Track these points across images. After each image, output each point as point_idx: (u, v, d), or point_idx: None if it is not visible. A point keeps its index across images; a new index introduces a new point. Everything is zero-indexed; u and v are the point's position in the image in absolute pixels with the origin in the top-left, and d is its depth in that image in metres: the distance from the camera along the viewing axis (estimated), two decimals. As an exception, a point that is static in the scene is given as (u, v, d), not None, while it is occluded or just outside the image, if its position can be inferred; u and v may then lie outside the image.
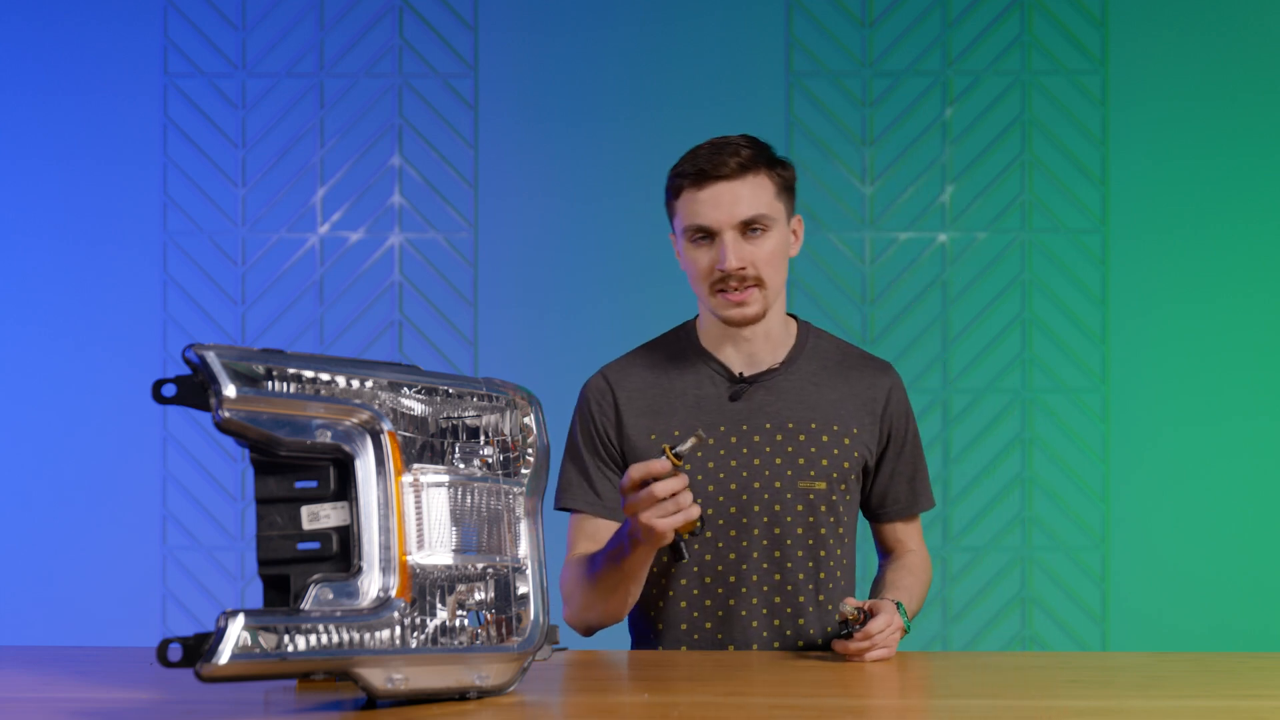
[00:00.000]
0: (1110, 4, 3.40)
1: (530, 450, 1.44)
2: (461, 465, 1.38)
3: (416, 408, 1.35)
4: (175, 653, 1.16)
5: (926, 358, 3.40)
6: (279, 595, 1.28)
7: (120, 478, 3.44)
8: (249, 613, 1.19)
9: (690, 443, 1.64)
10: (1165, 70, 3.39)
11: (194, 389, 1.21)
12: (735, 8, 3.44)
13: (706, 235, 1.90)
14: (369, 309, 3.46)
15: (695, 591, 1.95)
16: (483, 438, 1.40)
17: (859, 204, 3.41)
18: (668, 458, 1.64)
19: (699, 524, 1.70)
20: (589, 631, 1.97)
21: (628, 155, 3.43)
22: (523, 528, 1.42)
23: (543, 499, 1.47)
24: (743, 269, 1.88)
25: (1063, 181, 3.39)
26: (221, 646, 1.16)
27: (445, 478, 1.36)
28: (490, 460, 1.41)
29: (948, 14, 3.43)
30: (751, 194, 1.89)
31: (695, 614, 1.95)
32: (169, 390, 1.21)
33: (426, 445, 1.35)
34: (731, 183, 1.88)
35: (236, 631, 1.17)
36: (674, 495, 1.64)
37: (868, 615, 1.74)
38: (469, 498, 1.38)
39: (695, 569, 1.95)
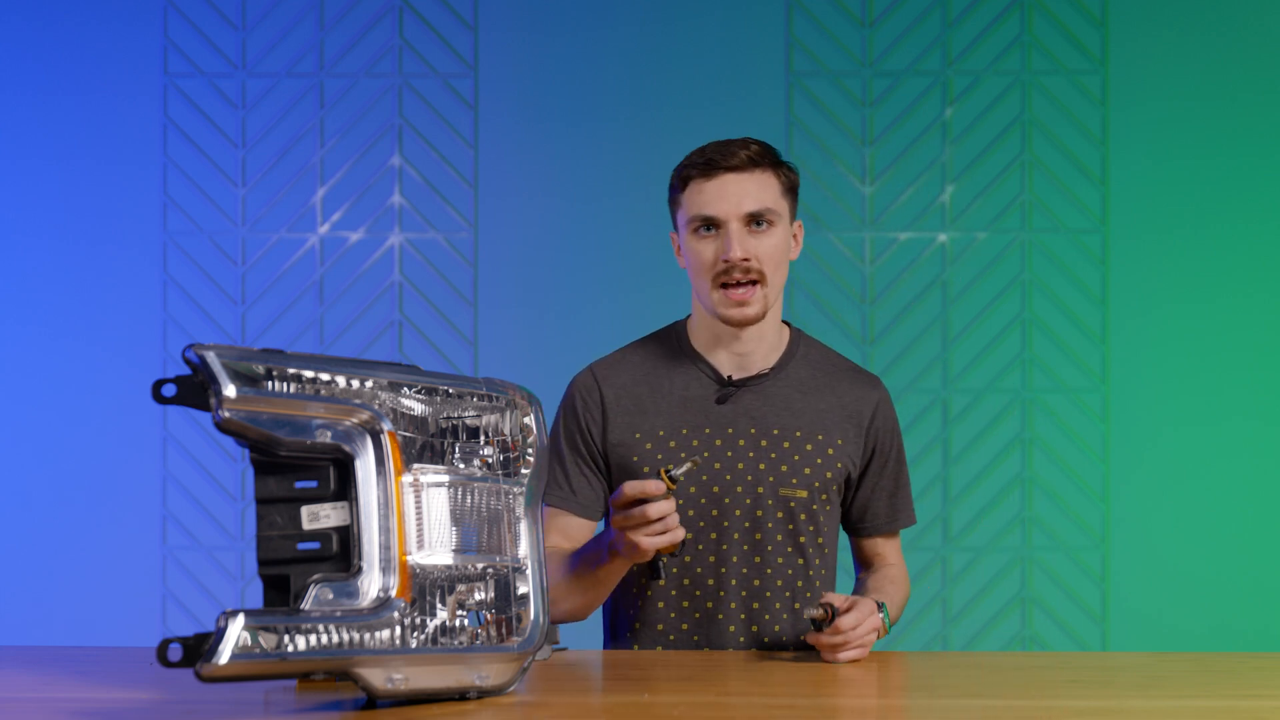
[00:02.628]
0: (1110, 4, 3.40)
1: (530, 450, 1.44)
2: (461, 465, 1.38)
3: (416, 408, 1.35)
4: (175, 653, 1.16)
5: (926, 358, 3.40)
6: (279, 595, 1.28)
7: (120, 478, 3.44)
8: (249, 613, 1.19)
9: (686, 467, 1.68)
10: (1165, 70, 3.39)
11: (194, 389, 1.21)
12: (735, 8, 3.44)
13: (711, 226, 1.90)
14: (369, 309, 3.46)
15: (673, 592, 1.95)
16: (483, 438, 1.40)
17: (859, 204, 3.41)
18: (663, 480, 1.67)
19: (680, 546, 1.72)
20: (553, 622, 1.98)
21: (628, 155, 3.43)
22: (523, 528, 1.42)
23: (543, 499, 1.47)
24: (747, 260, 1.88)
25: (1063, 181, 3.39)
26: (221, 646, 1.16)
27: (445, 478, 1.36)
28: (490, 460, 1.41)
29: (948, 14, 3.43)
30: (758, 188, 1.89)
31: (672, 614, 1.95)
32: (169, 390, 1.21)
33: (426, 445, 1.35)
34: (739, 174, 1.89)
35: (236, 631, 1.17)
36: (664, 518, 1.67)
37: (835, 613, 1.73)
38: (469, 498, 1.38)
39: (674, 570, 1.95)
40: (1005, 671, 1.70)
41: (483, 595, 1.37)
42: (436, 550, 1.34)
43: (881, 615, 1.80)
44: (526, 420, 1.44)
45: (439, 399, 1.37)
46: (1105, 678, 1.58)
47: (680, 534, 1.69)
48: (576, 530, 1.97)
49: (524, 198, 3.45)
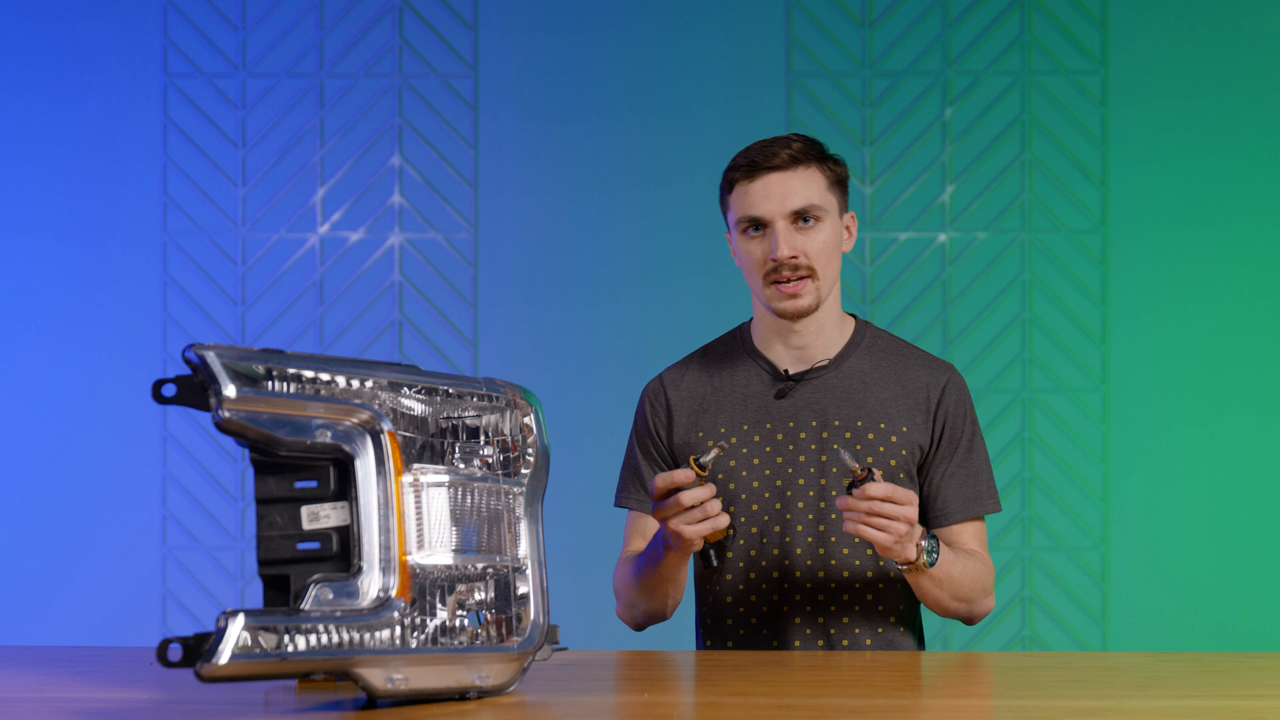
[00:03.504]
0: (1110, 4, 3.40)
1: (530, 450, 1.44)
2: (461, 465, 1.38)
3: (416, 408, 1.35)
4: (175, 653, 1.16)
5: (926, 358, 3.40)
6: (279, 595, 1.28)
7: (120, 478, 3.44)
8: (249, 613, 1.19)
9: (713, 453, 1.72)
10: (1165, 70, 3.39)
11: (194, 389, 1.21)
12: (735, 8, 3.44)
13: (759, 226, 1.92)
14: (369, 309, 3.46)
15: (741, 587, 1.97)
16: (483, 438, 1.40)
17: (859, 204, 3.41)
18: (691, 468, 1.71)
19: (729, 532, 1.74)
20: (639, 627, 2.05)
21: (628, 155, 3.43)
22: (523, 528, 1.42)
23: (543, 499, 1.47)
24: (795, 258, 1.90)
25: (1063, 181, 3.40)
26: (221, 646, 1.16)
27: (445, 478, 1.36)
28: (490, 460, 1.41)
29: (948, 14, 3.43)
30: (803, 185, 1.91)
31: (741, 609, 1.97)
32: (169, 390, 1.21)
33: (426, 445, 1.35)
34: (783, 173, 1.90)
35: (236, 631, 1.17)
36: (701, 504, 1.72)
37: (871, 477, 1.71)
38: (469, 498, 1.38)
39: (741, 565, 1.96)
40: (1005, 671, 1.70)
41: (483, 595, 1.37)
42: (436, 550, 1.34)
43: (925, 539, 1.78)
44: (526, 420, 1.44)
45: (439, 399, 1.37)
46: (1105, 678, 1.58)
47: (723, 520, 1.74)
48: (653, 532, 2.00)
49: (524, 198, 3.45)
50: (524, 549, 1.42)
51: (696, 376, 2.04)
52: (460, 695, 1.35)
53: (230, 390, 1.21)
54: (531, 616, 1.41)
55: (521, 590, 1.41)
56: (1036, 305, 3.39)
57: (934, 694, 1.54)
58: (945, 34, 3.43)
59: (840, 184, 1.96)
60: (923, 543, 1.79)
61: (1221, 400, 3.35)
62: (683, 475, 1.71)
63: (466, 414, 1.39)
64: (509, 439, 1.42)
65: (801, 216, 1.91)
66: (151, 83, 3.48)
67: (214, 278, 3.47)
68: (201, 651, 1.16)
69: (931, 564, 1.81)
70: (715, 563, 1.87)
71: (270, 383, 1.24)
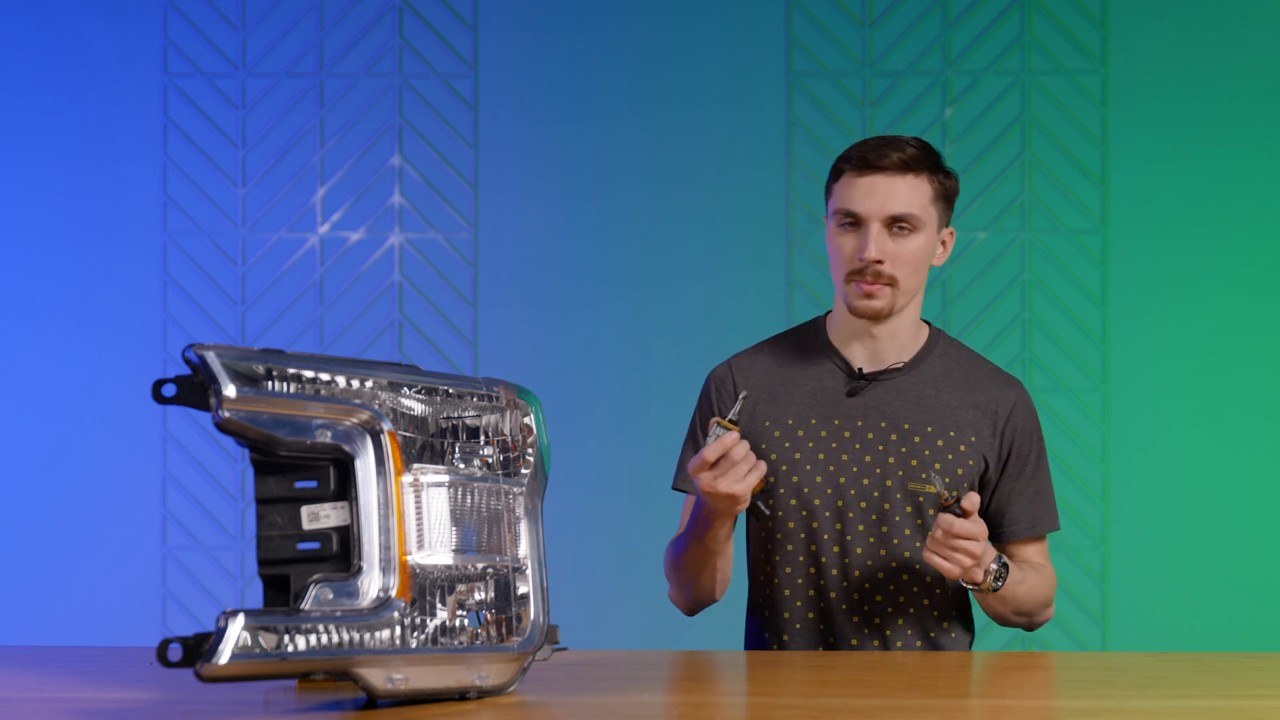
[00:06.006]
0: (1110, 4, 3.40)
1: (530, 450, 1.44)
2: (461, 465, 1.38)
3: (416, 408, 1.35)
4: (175, 653, 1.16)
5: (926, 358, 3.40)
6: (279, 595, 1.28)
7: (120, 478, 3.44)
8: (249, 613, 1.19)
9: (737, 406, 1.78)
10: (1165, 70, 3.39)
11: (194, 389, 1.21)
12: (735, 8, 3.44)
13: (855, 222, 1.91)
14: (369, 309, 3.46)
15: (799, 580, 1.97)
16: (483, 438, 1.40)
17: (859, 204, 3.41)
18: (725, 427, 1.75)
19: (770, 480, 1.86)
20: (691, 611, 2.05)
21: (628, 155, 3.43)
22: (523, 528, 1.42)
23: (542, 499, 1.47)
24: (880, 262, 1.89)
25: (1063, 181, 3.39)
26: (221, 646, 1.16)
27: (445, 478, 1.36)
28: (490, 460, 1.41)
29: (948, 14, 3.43)
30: (907, 192, 1.90)
31: (799, 603, 1.97)
32: (169, 390, 1.21)
33: (426, 445, 1.35)
34: (890, 176, 1.90)
35: (236, 631, 1.17)
36: (745, 458, 1.75)
37: (957, 509, 1.75)
38: (469, 498, 1.38)
39: (801, 559, 1.96)
40: (1005, 671, 1.70)
41: (483, 595, 1.37)
42: (436, 550, 1.34)
43: (995, 564, 1.81)
44: (526, 420, 1.44)
45: (439, 399, 1.37)
46: (1105, 678, 1.58)
47: (763, 467, 1.77)
48: None
49: (524, 198, 3.45)
50: (524, 549, 1.42)
51: (766, 365, 2.03)
52: (460, 695, 1.35)
53: (230, 390, 1.21)
54: (531, 616, 1.41)
55: (521, 590, 1.41)
56: (1036, 305, 3.39)
57: (934, 694, 1.54)
58: (945, 34, 3.43)
59: (947, 199, 1.96)
60: (992, 566, 1.81)
61: (1221, 400, 3.35)
62: (731, 439, 1.73)
63: (466, 414, 1.39)
64: (509, 439, 1.42)
65: (898, 223, 1.90)
66: (151, 83, 3.48)
67: (214, 278, 3.47)
68: (201, 651, 1.16)
69: (996, 589, 1.84)
70: (767, 511, 1.88)
71: (270, 383, 1.24)
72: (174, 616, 3.43)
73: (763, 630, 2.01)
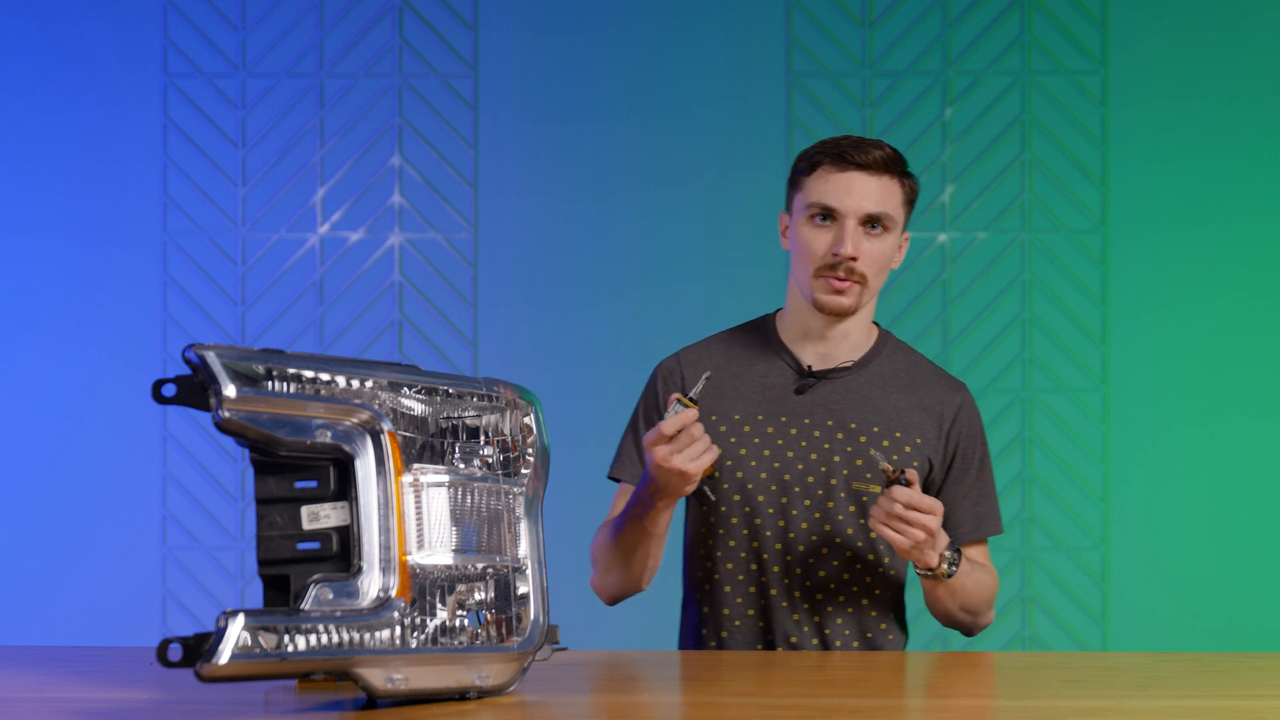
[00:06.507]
0: (1110, 4, 3.40)
1: (530, 450, 1.44)
2: (461, 465, 1.38)
3: (416, 408, 1.35)
4: (175, 653, 1.16)
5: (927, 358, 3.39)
6: (279, 595, 1.28)
7: (120, 478, 3.44)
8: (249, 613, 1.19)
9: (699, 386, 1.78)
10: (1165, 70, 3.39)
11: (194, 389, 1.21)
12: (735, 8, 3.44)
13: (829, 217, 1.91)
14: (369, 309, 3.46)
15: (740, 576, 1.97)
16: (483, 438, 1.40)
17: (859, 204, 3.41)
18: (685, 404, 1.75)
19: (715, 473, 1.87)
20: (612, 600, 2.04)
21: (628, 155, 3.43)
22: (523, 528, 1.42)
23: (543, 499, 1.47)
24: (854, 260, 1.89)
25: (1063, 181, 3.39)
26: (221, 646, 1.16)
27: (445, 478, 1.36)
28: (490, 460, 1.41)
29: (948, 14, 3.43)
30: (884, 191, 1.91)
31: (739, 599, 1.97)
32: (169, 390, 1.21)
33: (426, 445, 1.35)
34: (869, 175, 1.90)
35: (236, 631, 1.17)
36: (702, 437, 1.76)
37: (902, 480, 1.75)
38: (469, 498, 1.38)
39: (742, 555, 1.96)
40: (1005, 671, 1.70)
41: (483, 595, 1.37)
42: (436, 550, 1.34)
43: (950, 549, 1.81)
44: (526, 420, 1.44)
45: (439, 399, 1.37)
46: (1105, 678, 1.58)
47: (716, 450, 1.78)
48: None
49: (524, 198, 3.45)
50: (524, 549, 1.42)
51: (716, 359, 2.03)
52: (460, 695, 1.35)
53: (230, 390, 1.21)
54: (531, 616, 1.41)
55: (521, 590, 1.41)
56: (1036, 305, 3.39)
57: (934, 694, 1.54)
58: (945, 34, 3.43)
59: (911, 203, 1.96)
60: (946, 552, 1.81)
61: (1221, 400, 3.35)
62: (689, 415, 1.74)
63: (466, 414, 1.39)
64: (509, 439, 1.42)
65: (873, 221, 1.90)
66: (151, 83, 3.48)
67: (214, 278, 3.46)
68: (201, 651, 1.16)
69: (950, 575, 1.83)
70: (714, 495, 1.90)
71: (270, 383, 1.24)
72: (174, 616, 3.43)
73: (701, 626, 2.00)
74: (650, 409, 2.04)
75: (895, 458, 1.95)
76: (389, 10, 3.47)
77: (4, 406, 3.46)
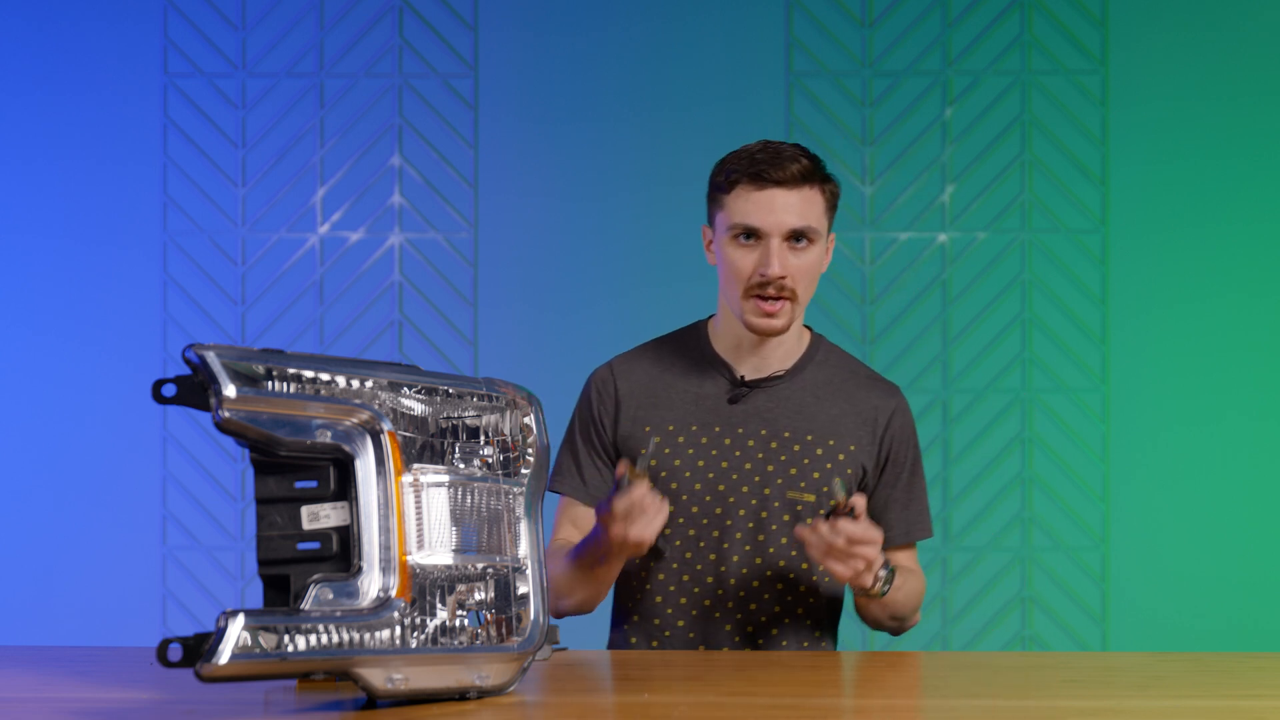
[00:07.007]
0: (1110, 4, 3.40)
1: (530, 450, 1.44)
2: (461, 465, 1.38)
3: (416, 408, 1.35)
4: (175, 653, 1.16)
5: (926, 358, 3.40)
6: (279, 595, 1.28)
7: (120, 478, 3.44)
8: (249, 613, 1.19)
9: (645, 459, 1.78)
10: (1165, 70, 3.39)
11: (194, 389, 1.21)
12: (735, 8, 3.44)
13: (752, 236, 1.89)
14: (369, 309, 3.46)
15: (672, 588, 1.96)
16: (483, 438, 1.40)
17: (859, 204, 3.41)
18: (633, 477, 1.75)
19: (665, 531, 1.87)
20: (560, 616, 2.01)
21: (628, 155, 3.43)
22: (523, 528, 1.42)
23: (543, 499, 1.47)
24: (783, 278, 1.87)
25: (1063, 181, 3.40)
26: (221, 646, 1.16)
27: (445, 478, 1.36)
28: (490, 460, 1.41)
29: (948, 14, 3.43)
30: (805, 205, 1.88)
31: (669, 610, 1.96)
32: (169, 390, 1.21)
33: (426, 445, 1.35)
34: (788, 190, 1.87)
35: (236, 631, 1.17)
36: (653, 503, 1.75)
37: (851, 512, 1.74)
38: (469, 498, 1.38)
39: (675, 566, 1.96)
40: (1005, 671, 1.70)
41: (483, 595, 1.37)
42: (436, 550, 1.34)
43: (884, 570, 1.80)
44: (526, 420, 1.44)
45: (439, 399, 1.37)
46: (1105, 678, 1.58)
47: (665, 508, 1.77)
48: (585, 520, 1.99)
49: (524, 198, 3.45)
50: (524, 549, 1.42)
51: (649, 369, 2.02)
52: (460, 695, 1.35)
53: (230, 390, 1.21)
54: (531, 616, 1.41)
55: (521, 590, 1.41)
56: (1036, 305, 3.39)
57: (935, 694, 1.54)
58: (945, 34, 3.43)
59: (833, 207, 1.94)
60: (881, 572, 1.81)
61: (1221, 400, 3.35)
62: (639, 491, 1.74)
63: (466, 414, 1.39)
64: (509, 439, 1.42)
65: (796, 236, 1.88)
66: (151, 83, 3.48)
67: (214, 278, 3.47)
68: (201, 651, 1.16)
69: (883, 594, 1.83)
70: (666, 551, 1.92)
71: (270, 383, 1.24)
72: (174, 616, 3.43)
73: (630, 636, 2.00)
74: (586, 420, 2.02)
75: (829, 466, 1.94)
76: (389, 10, 3.47)
77: (4, 406, 3.46)
